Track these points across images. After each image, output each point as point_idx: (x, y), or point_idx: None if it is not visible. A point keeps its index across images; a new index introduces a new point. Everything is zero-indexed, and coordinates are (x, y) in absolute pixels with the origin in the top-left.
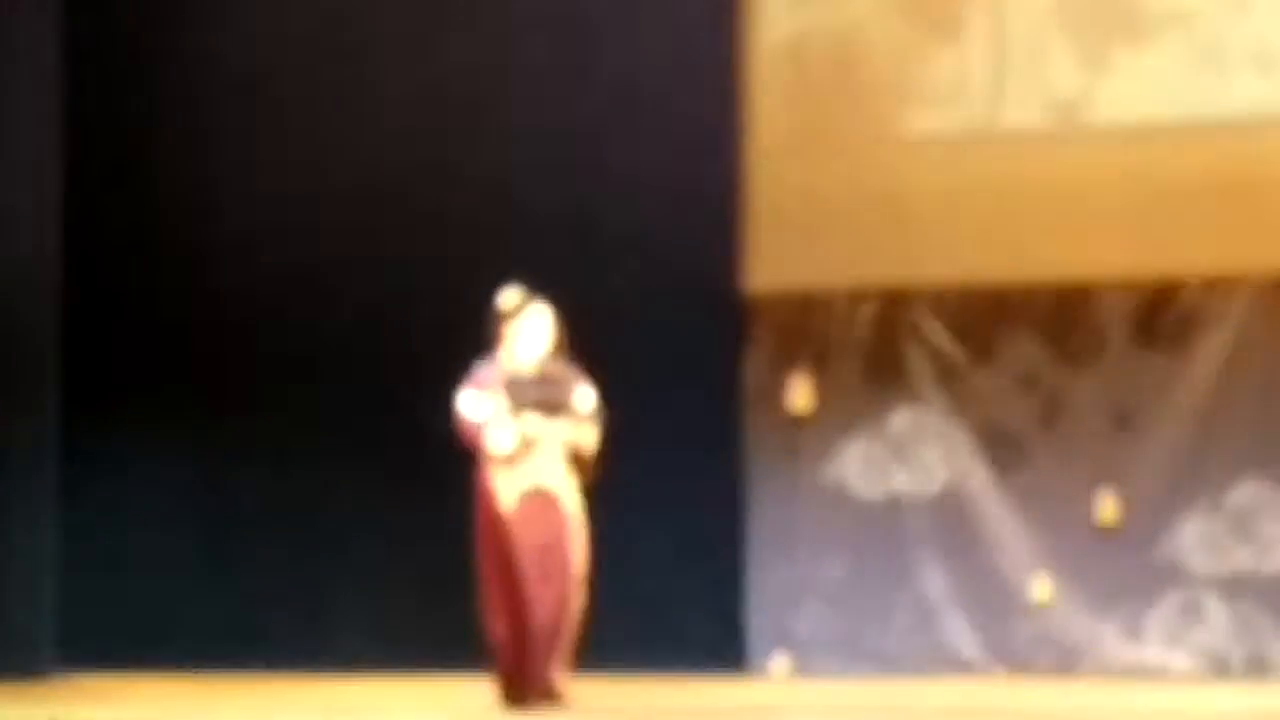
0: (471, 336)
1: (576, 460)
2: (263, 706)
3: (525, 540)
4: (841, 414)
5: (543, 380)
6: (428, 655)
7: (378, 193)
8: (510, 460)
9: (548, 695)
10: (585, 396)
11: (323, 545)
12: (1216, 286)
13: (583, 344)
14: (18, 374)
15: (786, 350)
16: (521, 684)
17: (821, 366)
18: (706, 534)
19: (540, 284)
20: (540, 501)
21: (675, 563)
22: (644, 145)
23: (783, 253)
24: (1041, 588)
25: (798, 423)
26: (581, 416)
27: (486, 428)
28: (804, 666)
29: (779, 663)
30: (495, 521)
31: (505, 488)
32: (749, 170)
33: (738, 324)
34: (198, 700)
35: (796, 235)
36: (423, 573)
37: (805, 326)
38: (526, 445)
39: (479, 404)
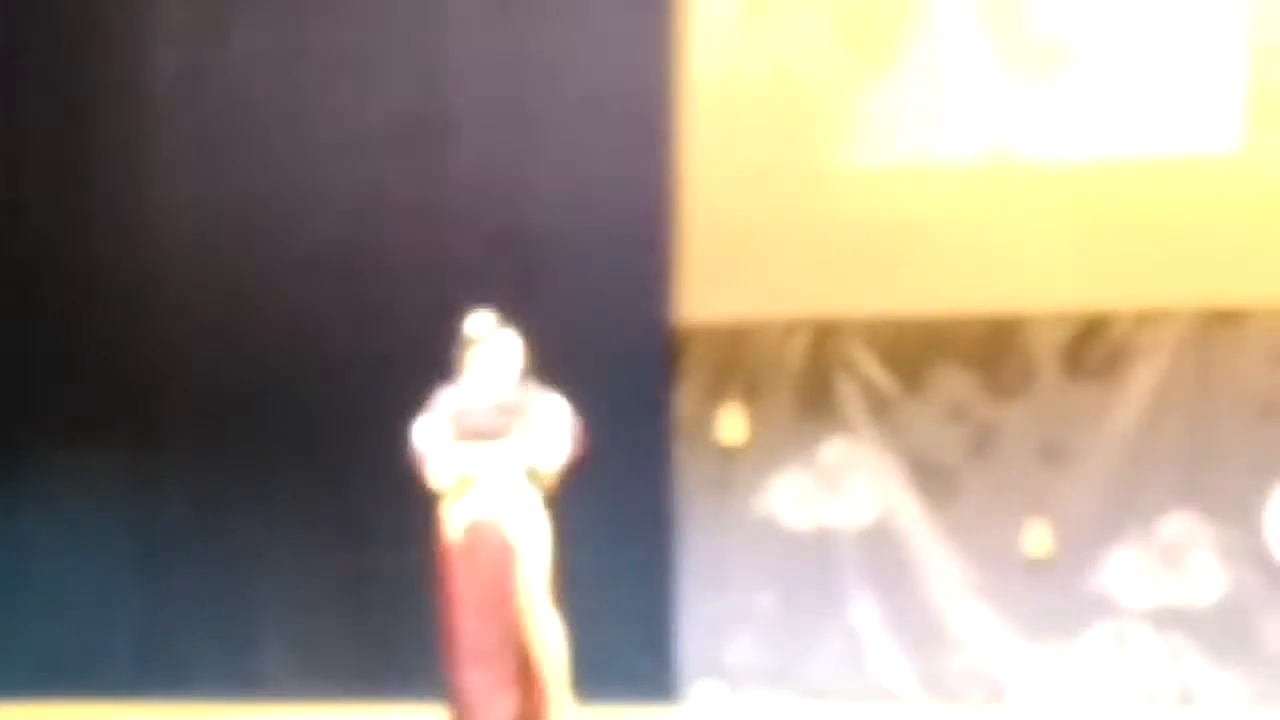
0: (403, 360)
1: (537, 481)
2: None
3: (465, 573)
4: (773, 445)
5: (499, 409)
6: (358, 685)
7: (311, 210)
8: (454, 492)
9: None
10: (549, 417)
11: (252, 573)
12: (1147, 320)
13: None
14: None
15: (718, 381)
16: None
17: (753, 398)
18: (636, 564)
19: (469, 312)
20: (483, 534)
21: (605, 592)
22: (575, 175)
23: (714, 283)
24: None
25: (729, 454)
26: (542, 436)
27: (427, 460)
28: (734, 696)
29: (709, 691)
30: (442, 554)
31: (452, 520)
32: (681, 201)
33: (668, 354)
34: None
35: (728, 266)
36: (353, 602)
37: (737, 357)
38: (466, 479)
39: (426, 434)
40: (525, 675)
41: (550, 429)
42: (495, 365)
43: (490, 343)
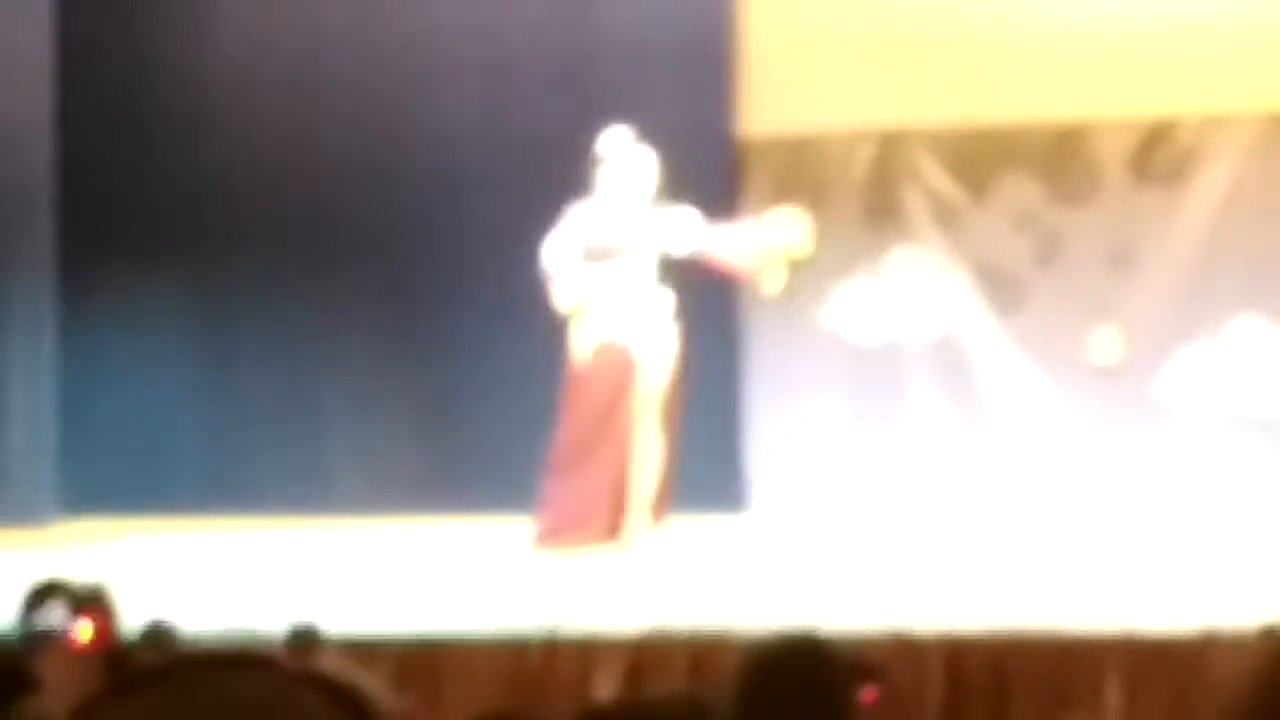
0: (469, 173)
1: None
2: (267, 548)
3: (584, 389)
4: (839, 255)
5: (626, 224)
6: (429, 498)
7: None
8: (577, 314)
9: (609, 538)
10: (681, 223)
11: (321, 387)
12: (1213, 124)
13: (577, 189)
14: (12, 226)
15: (783, 193)
16: (567, 526)
17: (819, 208)
18: (705, 374)
19: (536, 134)
20: (608, 355)
21: None
22: None
23: (778, 96)
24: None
25: (794, 264)
26: (674, 228)
27: (553, 281)
28: (802, 504)
29: (777, 500)
30: (568, 374)
31: (580, 340)
32: (744, 14)
33: (734, 168)
34: (201, 540)
35: (792, 78)
36: (424, 415)
37: (802, 169)
38: (588, 302)
39: (554, 254)
40: (620, 489)
41: (684, 232)
42: (626, 182)
43: (624, 159)
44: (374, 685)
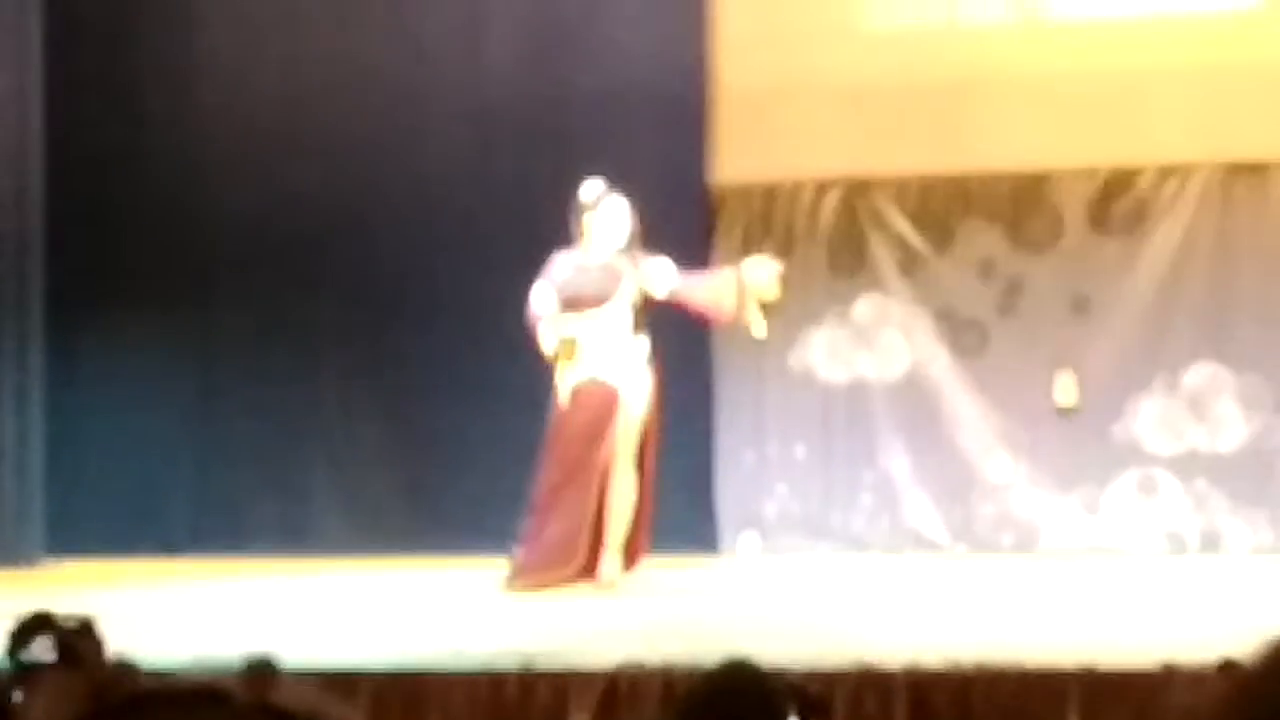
0: (451, 219)
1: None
2: (250, 588)
3: (565, 429)
4: (807, 302)
5: (605, 271)
6: (409, 540)
7: (373, 68)
8: (562, 357)
9: (585, 577)
10: (655, 279)
11: (304, 431)
12: (1170, 174)
13: (555, 237)
14: (1, 269)
15: (753, 241)
16: (542, 565)
17: (787, 256)
18: (677, 418)
19: (514, 183)
20: (589, 392)
21: None
22: (615, 46)
23: (748, 146)
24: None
25: (764, 311)
26: (650, 275)
27: (540, 324)
28: (772, 547)
29: (749, 543)
30: (552, 415)
31: (563, 382)
32: (715, 65)
33: (705, 216)
34: (186, 581)
35: (761, 128)
36: (405, 458)
37: (771, 217)
38: (571, 343)
39: (538, 300)
40: (595, 529)
41: (659, 279)
42: (604, 231)
43: (601, 207)
44: (338, 713)
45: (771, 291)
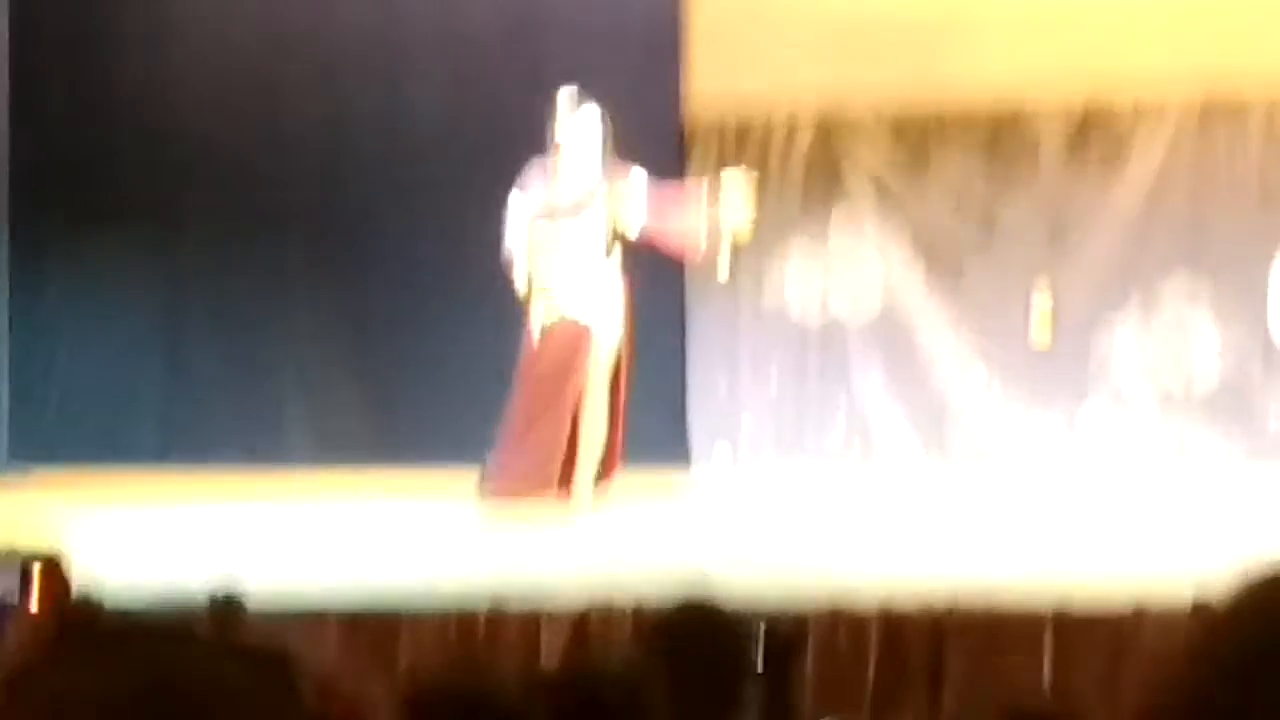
0: (419, 138)
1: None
2: (217, 512)
3: (538, 371)
4: (780, 236)
5: (579, 180)
6: (377, 453)
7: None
8: (535, 290)
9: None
10: (631, 189)
11: (272, 346)
12: (1149, 105)
13: (529, 156)
14: None
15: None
16: (514, 485)
17: (760, 189)
18: (650, 352)
19: (487, 105)
20: (560, 331)
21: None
22: None
23: (721, 79)
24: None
25: (737, 244)
26: (624, 207)
27: (511, 265)
28: (743, 473)
29: (720, 453)
30: (524, 344)
31: (536, 311)
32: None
33: (678, 149)
34: (153, 501)
35: (735, 61)
36: (378, 375)
37: (744, 151)
38: (545, 275)
39: (514, 214)
40: (567, 459)
41: (632, 201)
42: (578, 137)
43: (574, 118)
44: (307, 651)
45: (744, 230)
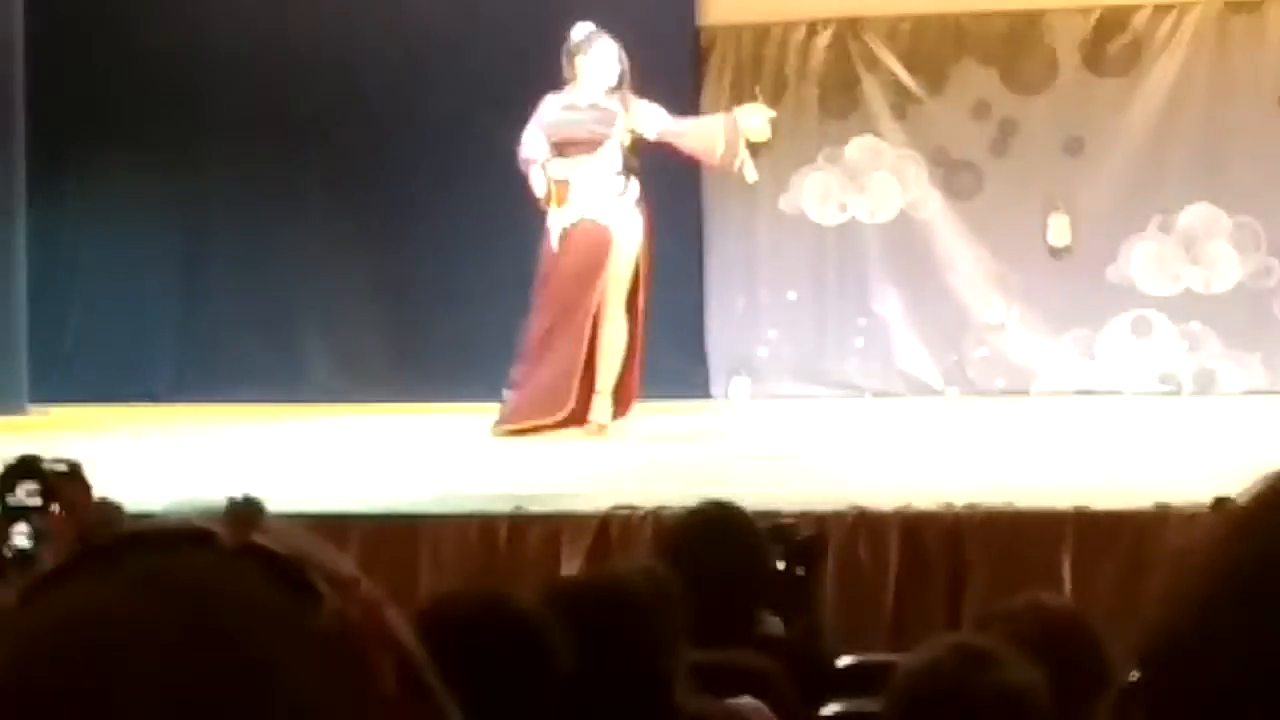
0: (435, 69)
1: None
2: (237, 434)
3: (556, 273)
4: (798, 143)
5: (595, 113)
6: (398, 387)
7: None
8: (552, 201)
9: (576, 423)
10: (644, 122)
11: (292, 279)
12: (1166, 12)
13: (543, 81)
14: None
15: (743, 82)
16: (532, 409)
17: (778, 97)
18: (668, 263)
19: (502, 27)
20: (581, 233)
21: None
22: None
23: None
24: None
25: (754, 152)
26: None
27: (529, 170)
28: (763, 391)
29: (739, 387)
30: (541, 262)
31: (554, 225)
32: None
33: (694, 57)
34: (172, 428)
35: None
36: (397, 305)
37: (761, 58)
38: (563, 187)
39: (529, 144)
40: (586, 374)
41: (647, 130)
42: (594, 72)
43: (592, 49)
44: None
45: (763, 134)
